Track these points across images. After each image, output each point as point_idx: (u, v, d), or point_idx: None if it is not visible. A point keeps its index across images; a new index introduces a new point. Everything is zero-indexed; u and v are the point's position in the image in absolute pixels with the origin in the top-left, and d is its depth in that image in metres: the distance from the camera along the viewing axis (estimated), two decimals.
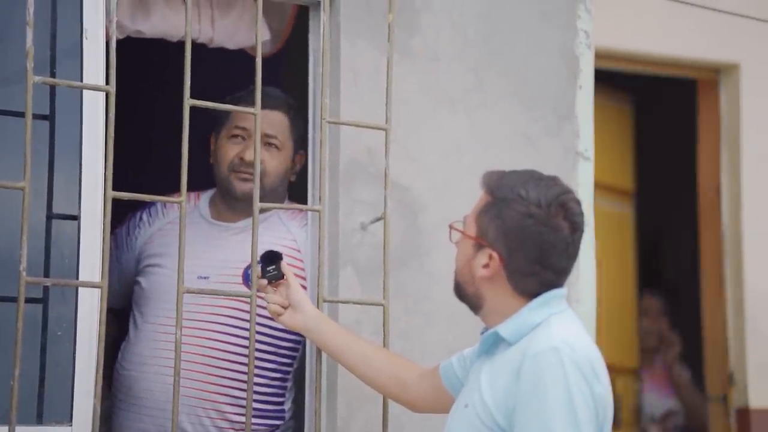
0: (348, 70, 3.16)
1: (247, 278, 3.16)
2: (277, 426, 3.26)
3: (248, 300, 2.89)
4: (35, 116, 2.70)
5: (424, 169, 3.25)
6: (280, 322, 2.89)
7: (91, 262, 2.85)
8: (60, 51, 2.92)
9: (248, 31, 3.30)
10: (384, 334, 2.98)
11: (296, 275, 2.97)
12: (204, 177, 3.28)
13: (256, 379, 3.07)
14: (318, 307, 2.93)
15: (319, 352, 2.95)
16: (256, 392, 3.08)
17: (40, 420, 2.81)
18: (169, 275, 3.18)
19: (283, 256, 2.89)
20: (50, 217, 2.87)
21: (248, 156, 3.22)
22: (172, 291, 2.83)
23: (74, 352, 2.84)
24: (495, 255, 2.43)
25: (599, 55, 3.68)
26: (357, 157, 3.15)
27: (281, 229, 3.29)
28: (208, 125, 3.29)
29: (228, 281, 3.21)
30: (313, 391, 3.04)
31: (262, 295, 2.87)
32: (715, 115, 5.08)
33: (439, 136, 3.28)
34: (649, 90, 5.57)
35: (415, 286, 3.19)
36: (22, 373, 2.61)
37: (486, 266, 2.45)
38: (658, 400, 5.30)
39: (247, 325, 2.96)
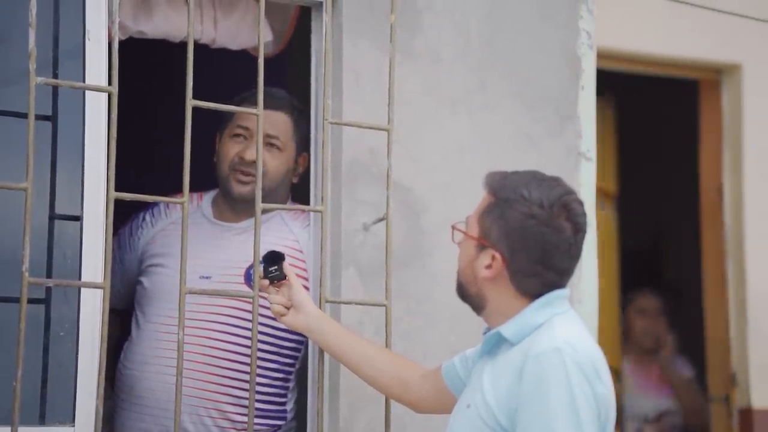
0: (350, 71, 3.16)
1: (249, 278, 3.16)
2: (279, 426, 3.26)
3: (250, 300, 2.89)
4: (38, 117, 2.70)
5: (427, 169, 3.25)
6: (282, 323, 2.89)
7: (94, 263, 2.86)
8: (62, 52, 2.92)
9: (250, 32, 3.31)
10: (386, 335, 2.98)
11: (298, 276, 2.97)
12: (207, 177, 3.28)
13: (259, 379, 3.07)
14: (320, 307, 2.93)
15: (321, 352, 2.95)
16: (258, 392, 3.08)
17: (42, 420, 2.82)
18: (171, 275, 3.19)
19: (286, 257, 2.89)
20: (53, 217, 2.87)
21: (248, 155, 3.22)
22: (175, 291, 2.83)
23: (77, 353, 2.84)
24: (498, 255, 2.43)
25: (600, 56, 3.68)
26: (359, 157, 3.15)
27: (284, 230, 3.29)
28: (210, 126, 3.29)
29: (230, 281, 3.21)
30: (315, 392, 3.04)
31: (265, 295, 2.88)
32: (717, 115, 5.08)
33: (441, 137, 3.28)
34: (630, 90, 5.54)
35: (418, 287, 3.19)
36: (25, 373, 2.61)
37: (489, 267, 2.45)
38: (653, 400, 5.29)
39: (249, 324, 2.96)
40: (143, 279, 3.36)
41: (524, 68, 3.41)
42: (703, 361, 5.19)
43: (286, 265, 2.88)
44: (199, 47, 3.10)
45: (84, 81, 2.89)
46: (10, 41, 2.92)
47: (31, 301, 2.65)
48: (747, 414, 4.93)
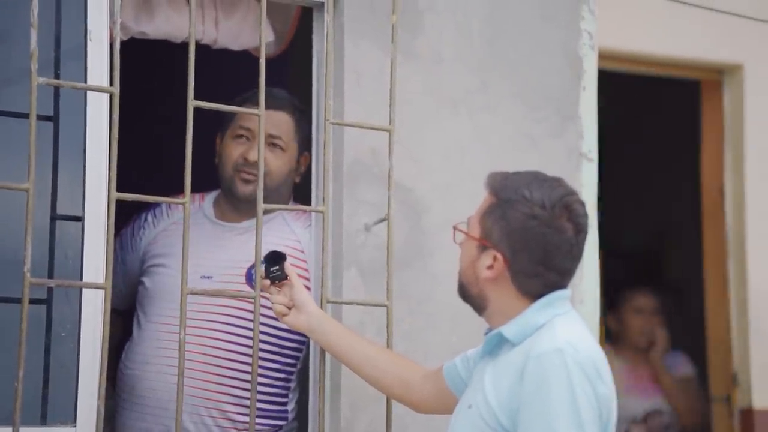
0: (351, 72, 3.17)
1: (250, 278, 3.17)
2: (281, 426, 3.26)
3: (252, 300, 2.89)
4: (39, 117, 2.70)
5: (428, 170, 3.25)
6: (284, 323, 2.90)
7: (95, 264, 2.86)
8: (64, 52, 2.92)
9: (252, 33, 3.31)
10: (387, 335, 2.98)
11: (300, 276, 2.97)
12: (209, 178, 3.28)
13: (260, 379, 3.07)
14: (321, 307, 2.93)
15: (322, 352, 2.96)
16: (259, 392, 3.08)
17: (44, 421, 2.82)
18: (172, 275, 3.19)
19: (287, 257, 2.90)
20: (54, 218, 2.87)
21: (252, 156, 3.22)
22: (176, 291, 2.83)
23: (78, 353, 2.84)
24: (499, 256, 2.43)
25: (602, 56, 3.68)
26: (360, 158, 3.15)
27: (285, 230, 3.29)
28: (212, 126, 3.29)
29: (231, 281, 3.21)
30: (316, 392, 3.04)
31: (266, 295, 2.88)
32: (719, 115, 5.08)
33: (442, 137, 3.28)
34: (616, 90, 5.51)
35: (419, 287, 3.19)
36: (26, 374, 2.61)
37: (490, 267, 2.45)
38: (642, 401, 5.25)
39: (250, 325, 2.96)
40: (145, 279, 3.36)
41: (526, 69, 3.41)
42: (704, 361, 5.18)
43: (288, 265, 2.88)
44: (201, 48, 3.10)
45: (85, 81, 2.89)
46: (11, 41, 2.92)
47: (32, 301, 2.65)
48: (748, 414, 4.92)
